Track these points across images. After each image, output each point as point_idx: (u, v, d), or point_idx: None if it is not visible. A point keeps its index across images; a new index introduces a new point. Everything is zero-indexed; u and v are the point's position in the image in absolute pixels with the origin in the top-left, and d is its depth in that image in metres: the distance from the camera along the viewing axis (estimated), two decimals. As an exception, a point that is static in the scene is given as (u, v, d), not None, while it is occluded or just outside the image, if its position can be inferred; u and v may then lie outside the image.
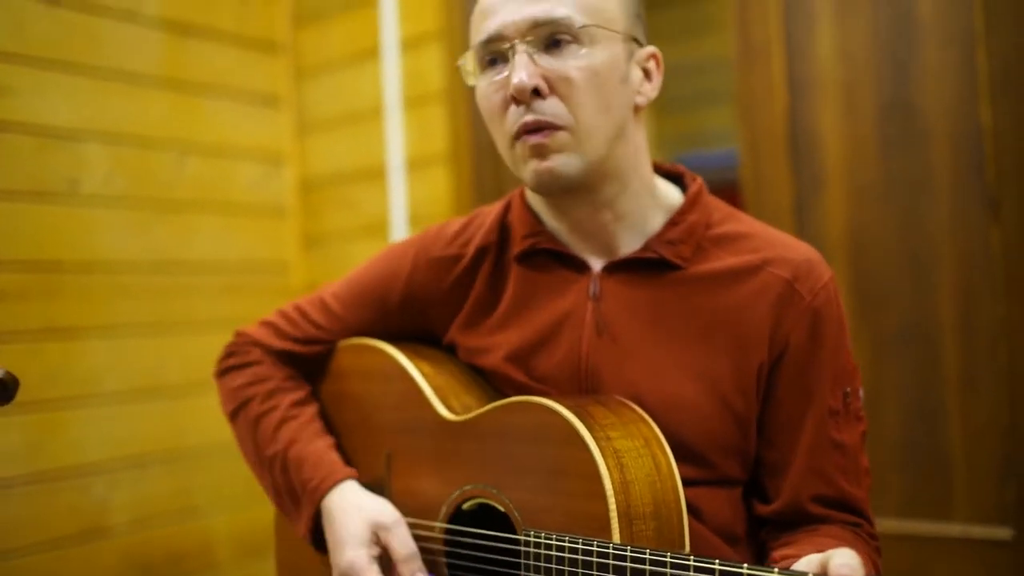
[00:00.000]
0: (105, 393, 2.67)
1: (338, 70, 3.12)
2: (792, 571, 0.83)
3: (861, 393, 1.13)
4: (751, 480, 1.13)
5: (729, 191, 2.61)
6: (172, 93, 2.87)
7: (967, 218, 2.25)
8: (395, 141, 2.94)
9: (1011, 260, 2.19)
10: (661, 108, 4.65)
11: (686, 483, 1.06)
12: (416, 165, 2.91)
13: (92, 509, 2.62)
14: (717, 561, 0.87)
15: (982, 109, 2.19)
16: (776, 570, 0.83)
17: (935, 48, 2.26)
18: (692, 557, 0.89)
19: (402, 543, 1.12)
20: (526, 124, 1.08)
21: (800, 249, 1.16)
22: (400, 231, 2.93)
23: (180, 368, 2.81)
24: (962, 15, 2.21)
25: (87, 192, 2.64)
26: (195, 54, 2.93)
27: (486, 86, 1.13)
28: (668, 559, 0.89)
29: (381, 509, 1.15)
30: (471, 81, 1.15)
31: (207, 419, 2.68)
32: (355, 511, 1.15)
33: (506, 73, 1.09)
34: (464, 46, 1.22)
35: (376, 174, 3.00)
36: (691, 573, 0.89)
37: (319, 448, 1.23)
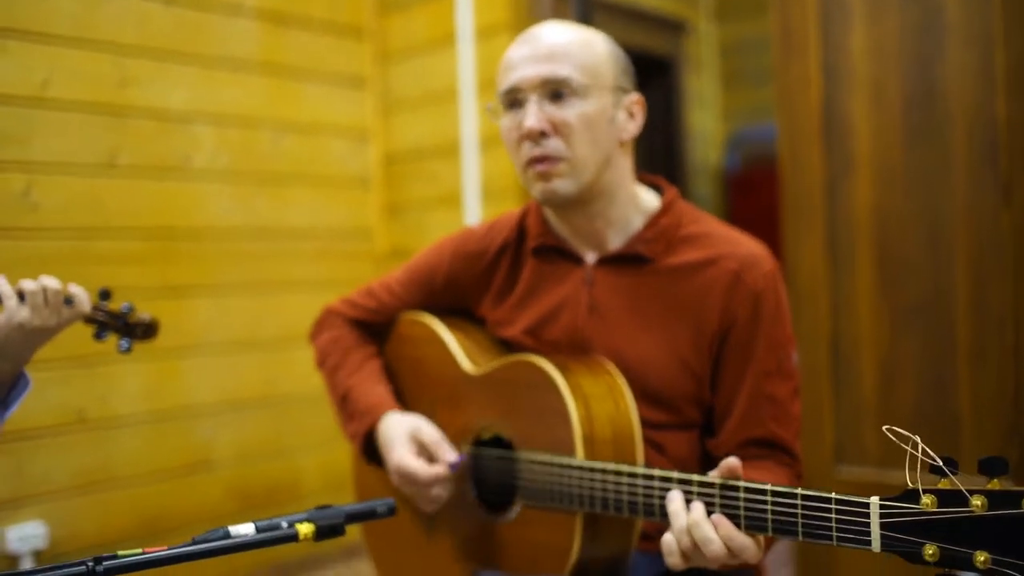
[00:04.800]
0: (212, 344, 3.05)
1: (419, 55, 3.41)
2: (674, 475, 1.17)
3: (794, 357, 1.43)
4: (705, 424, 1.43)
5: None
6: (270, 78, 3.20)
7: (981, 202, 2.44)
8: (469, 120, 3.22)
9: (1020, 242, 2.39)
10: (729, 82, 4.83)
11: (655, 426, 1.39)
12: (488, 143, 3.19)
13: (199, 446, 3.01)
14: (640, 467, 1.21)
15: (998, 103, 2.38)
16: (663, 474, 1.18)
17: (958, 47, 2.44)
18: (625, 465, 1.23)
19: (430, 435, 1.48)
20: (534, 157, 1.40)
21: (748, 245, 1.45)
22: (473, 202, 3.22)
23: (276, 324, 3.17)
24: (984, 17, 2.39)
25: (197, 168, 3.00)
26: (290, 41, 3.25)
27: (507, 124, 1.44)
28: (602, 466, 1.25)
29: (414, 420, 1.51)
30: (496, 121, 1.46)
31: (299, 370, 3.04)
32: (397, 426, 1.51)
33: (521, 117, 1.40)
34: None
35: (452, 150, 3.30)
36: (624, 477, 1.23)
37: (379, 389, 1.59)
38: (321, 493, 3.24)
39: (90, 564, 0.93)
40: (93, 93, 2.74)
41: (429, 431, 1.48)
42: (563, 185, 1.39)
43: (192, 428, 3.00)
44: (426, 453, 1.47)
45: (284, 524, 1.10)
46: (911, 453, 0.89)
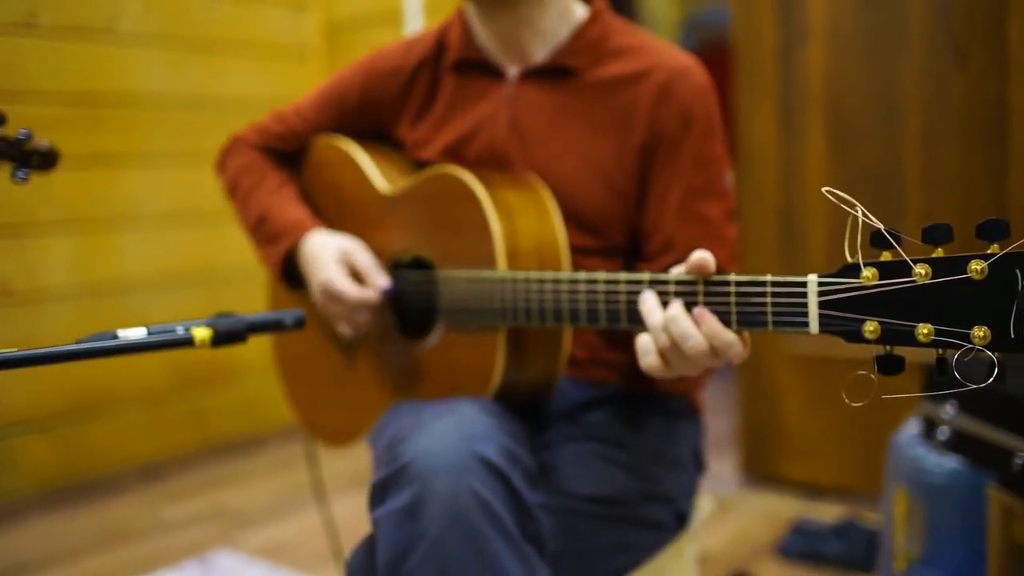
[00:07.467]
0: (143, 217, 2.93)
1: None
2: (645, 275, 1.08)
3: (728, 177, 1.36)
4: (633, 249, 1.36)
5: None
6: (203, -62, 3.04)
7: (935, 68, 2.38)
8: (413, -12, 3.10)
9: (972, 108, 2.34)
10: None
11: (580, 251, 1.32)
12: (432, 11, 3.08)
13: (133, 321, 2.91)
14: (564, 273, 1.13)
15: (955, -37, 2.31)
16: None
17: (915, -97, 2.36)
18: (545, 272, 1.14)
19: (364, 259, 1.40)
20: None
21: (680, 58, 1.37)
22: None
23: (210, 197, 3.05)
24: None
25: (125, 31, 2.85)
26: (224, -99, 3.09)
27: None
28: (524, 275, 1.16)
29: (345, 239, 1.42)
30: None
31: (235, 244, 2.94)
32: (325, 245, 1.42)
33: None
34: None
35: (394, 19, 3.17)
36: (534, 283, 1.16)
37: (299, 209, 1.49)
38: (258, 368, 3.17)
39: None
40: (8, -56, 2.58)
41: (363, 256, 1.40)
42: None
43: (125, 302, 2.91)
44: (357, 278, 1.39)
45: (180, 329, 1.03)
46: (851, 224, 0.82)
